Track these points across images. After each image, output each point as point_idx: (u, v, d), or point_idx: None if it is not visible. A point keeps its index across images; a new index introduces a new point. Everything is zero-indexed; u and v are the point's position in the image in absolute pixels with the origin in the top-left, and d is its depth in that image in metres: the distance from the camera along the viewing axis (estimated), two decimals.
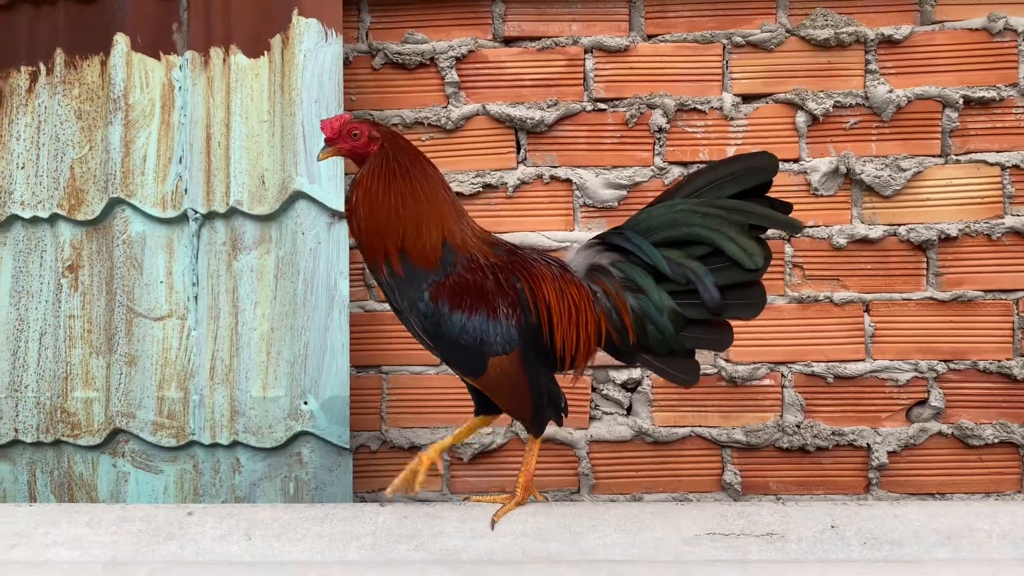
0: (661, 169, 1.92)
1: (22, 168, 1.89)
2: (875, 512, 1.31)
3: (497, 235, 1.49)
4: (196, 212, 1.84)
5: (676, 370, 1.42)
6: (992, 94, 1.87)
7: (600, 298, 1.42)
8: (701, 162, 1.91)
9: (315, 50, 1.82)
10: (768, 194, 1.39)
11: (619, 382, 1.93)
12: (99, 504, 1.37)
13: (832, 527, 1.23)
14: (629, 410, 1.94)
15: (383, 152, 1.37)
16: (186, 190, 1.85)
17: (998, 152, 1.88)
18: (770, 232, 1.43)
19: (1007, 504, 1.35)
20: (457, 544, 1.23)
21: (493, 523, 1.33)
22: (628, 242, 1.41)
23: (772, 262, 1.86)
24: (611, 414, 1.94)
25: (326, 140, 1.38)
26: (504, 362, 1.38)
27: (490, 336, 1.37)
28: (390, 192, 1.35)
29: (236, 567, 1.12)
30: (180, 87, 1.86)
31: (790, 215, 1.38)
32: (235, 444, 1.84)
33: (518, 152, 1.95)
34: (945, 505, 1.34)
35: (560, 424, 1.48)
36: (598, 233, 1.48)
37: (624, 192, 1.92)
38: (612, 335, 1.42)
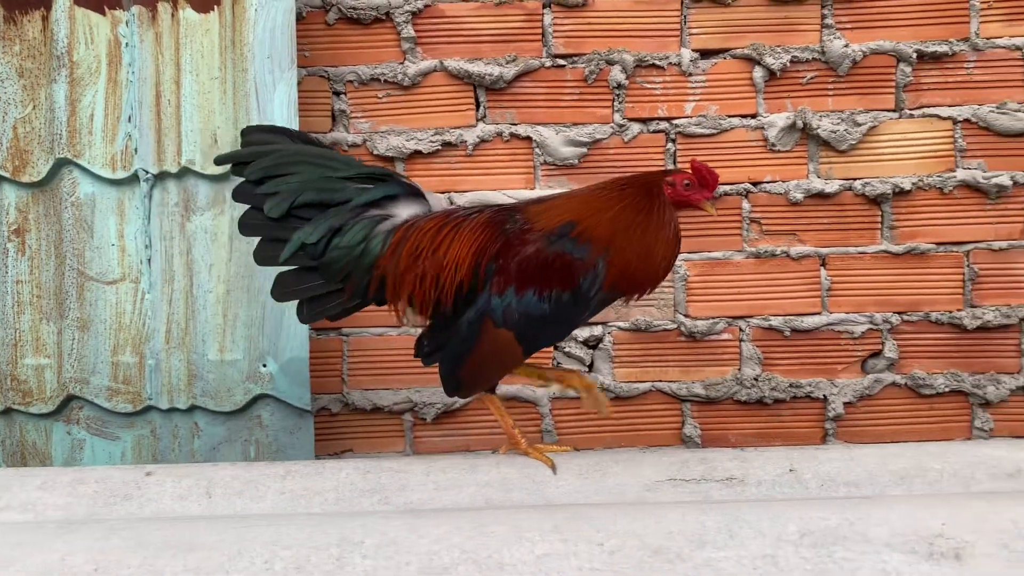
0: (621, 126, 1.91)
1: None
2: (831, 455, 1.33)
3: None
4: (147, 172, 1.79)
5: None
6: (944, 48, 1.89)
7: None
8: (660, 118, 1.91)
9: (266, 4, 1.77)
10: None
11: (580, 339, 1.93)
12: (53, 467, 1.34)
13: (791, 471, 1.26)
14: (591, 367, 1.94)
15: None
16: (136, 150, 1.79)
17: (950, 106, 1.91)
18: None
19: (956, 444, 1.39)
20: (422, 497, 1.23)
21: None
22: None
23: (730, 218, 1.91)
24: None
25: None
26: None
27: None
28: None
29: (197, 521, 1.10)
30: (127, 43, 1.80)
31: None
32: (193, 408, 1.81)
33: (477, 109, 1.92)
34: (899, 447, 1.37)
35: None
36: None
37: (585, 150, 1.91)
38: None
